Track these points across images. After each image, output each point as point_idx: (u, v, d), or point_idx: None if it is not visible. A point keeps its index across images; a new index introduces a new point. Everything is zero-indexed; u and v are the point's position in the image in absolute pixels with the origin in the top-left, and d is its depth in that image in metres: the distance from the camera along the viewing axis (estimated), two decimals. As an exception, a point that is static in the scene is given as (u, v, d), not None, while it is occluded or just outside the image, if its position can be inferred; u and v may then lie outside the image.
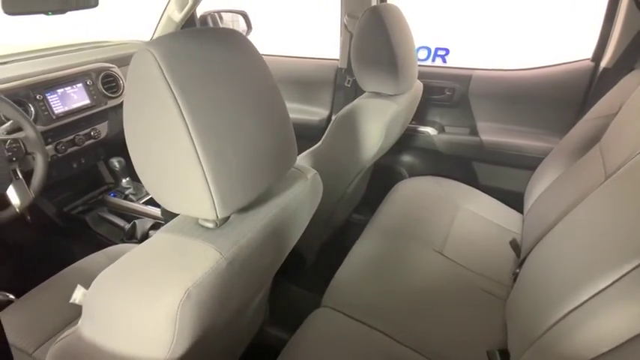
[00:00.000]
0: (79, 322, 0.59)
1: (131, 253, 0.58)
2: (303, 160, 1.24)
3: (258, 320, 1.11)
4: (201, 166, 0.52)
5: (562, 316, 0.75)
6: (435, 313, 1.10)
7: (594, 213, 0.91)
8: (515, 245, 1.35)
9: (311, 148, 1.29)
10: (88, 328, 0.57)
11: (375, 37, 1.20)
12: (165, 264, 0.55)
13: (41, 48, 1.69)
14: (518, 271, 1.14)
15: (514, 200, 1.59)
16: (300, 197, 0.76)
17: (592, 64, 1.54)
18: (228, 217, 0.63)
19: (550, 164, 1.41)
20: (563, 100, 1.61)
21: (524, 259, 1.14)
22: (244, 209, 0.66)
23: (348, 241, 1.36)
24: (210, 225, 0.61)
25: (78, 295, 0.59)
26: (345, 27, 1.76)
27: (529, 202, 1.41)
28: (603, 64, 1.50)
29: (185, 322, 0.52)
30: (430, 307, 1.12)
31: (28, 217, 1.40)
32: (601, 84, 1.49)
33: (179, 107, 0.50)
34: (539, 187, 1.37)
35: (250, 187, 0.60)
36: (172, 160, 0.54)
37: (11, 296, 0.75)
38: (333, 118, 1.25)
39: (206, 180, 0.53)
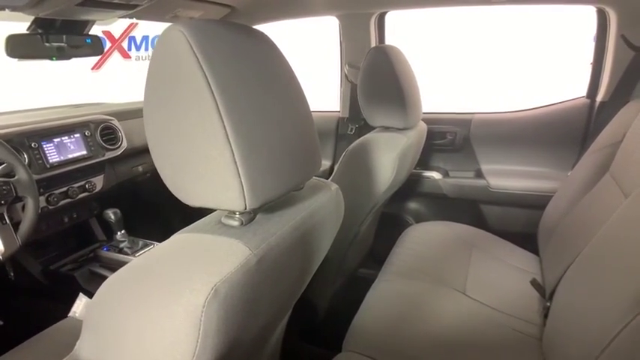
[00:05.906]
0: (77, 343, 0.49)
1: (144, 255, 0.50)
2: None
3: None
4: (230, 146, 0.47)
5: (613, 336, 0.69)
6: (468, 355, 1.00)
7: (623, 230, 0.87)
8: (537, 284, 1.26)
9: None
10: (88, 346, 0.48)
11: (381, 72, 1.23)
12: (187, 261, 0.48)
13: (43, 107, 1.69)
14: (548, 304, 1.06)
15: (526, 241, 1.53)
16: (328, 207, 0.71)
17: (588, 100, 1.58)
18: (253, 218, 0.57)
19: (561, 200, 1.37)
20: (564, 137, 1.62)
21: (552, 293, 1.07)
22: (269, 210, 0.60)
23: (358, 295, 1.26)
24: (235, 223, 0.54)
25: (79, 306, 0.50)
26: (345, 77, 1.81)
27: (544, 240, 1.35)
28: (599, 99, 1.54)
29: (211, 326, 0.43)
30: (461, 348, 1.01)
31: (12, 274, 1.29)
32: (599, 118, 1.52)
33: (209, 84, 0.46)
34: (553, 223, 1.32)
35: (281, 179, 0.54)
36: (198, 141, 0.48)
37: None
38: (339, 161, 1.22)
39: (235, 163, 0.47)
